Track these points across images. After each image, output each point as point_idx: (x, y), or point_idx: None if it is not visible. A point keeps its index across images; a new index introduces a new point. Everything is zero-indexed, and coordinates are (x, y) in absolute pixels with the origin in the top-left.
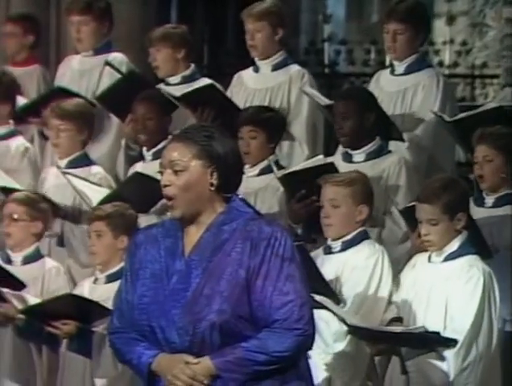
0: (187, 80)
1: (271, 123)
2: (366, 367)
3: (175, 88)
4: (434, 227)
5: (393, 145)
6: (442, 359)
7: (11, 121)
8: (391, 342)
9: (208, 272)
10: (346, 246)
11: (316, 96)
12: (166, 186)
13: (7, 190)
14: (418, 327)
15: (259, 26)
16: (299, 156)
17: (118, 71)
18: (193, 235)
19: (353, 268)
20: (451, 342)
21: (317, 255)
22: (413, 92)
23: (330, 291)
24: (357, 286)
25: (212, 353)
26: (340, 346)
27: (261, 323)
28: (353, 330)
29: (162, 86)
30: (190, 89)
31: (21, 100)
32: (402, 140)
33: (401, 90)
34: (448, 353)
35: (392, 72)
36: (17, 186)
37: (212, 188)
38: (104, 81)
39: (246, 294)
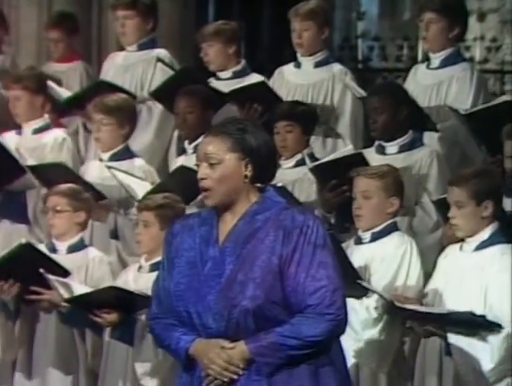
0: (237, 75)
1: (305, 116)
2: (393, 354)
3: (226, 82)
4: (460, 211)
5: (427, 135)
6: (485, 342)
7: (46, 115)
8: (438, 324)
9: (242, 259)
10: (376, 237)
11: (354, 88)
12: (202, 178)
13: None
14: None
15: (306, 25)
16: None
17: (170, 66)
18: (228, 223)
19: (382, 258)
20: (495, 327)
21: (348, 245)
22: (447, 85)
23: (359, 280)
24: (386, 276)
25: (246, 338)
26: (368, 333)
27: (294, 309)
28: (400, 312)
29: (212, 80)
30: (240, 86)
31: (64, 93)
32: (436, 130)
33: (436, 83)
34: (493, 338)
35: (428, 66)
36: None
37: (247, 180)
38: (156, 77)
39: (279, 281)
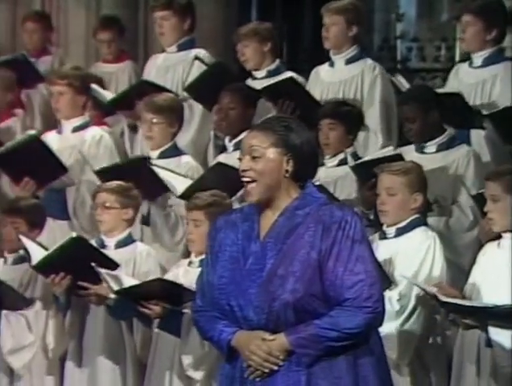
0: (272, 73)
1: (349, 116)
2: (415, 346)
3: (261, 81)
4: (495, 205)
5: (474, 133)
6: None
7: (86, 114)
8: (480, 317)
9: (282, 253)
10: (400, 232)
11: (400, 82)
12: (244, 170)
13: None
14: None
15: (335, 19)
16: (373, 145)
17: (206, 64)
18: (269, 219)
19: (406, 253)
20: None
21: (373, 240)
22: (491, 83)
23: (383, 274)
24: (409, 270)
25: (286, 330)
26: (390, 325)
27: (332, 302)
28: (444, 306)
29: (249, 80)
30: (271, 82)
31: (107, 95)
32: (482, 128)
33: (479, 82)
34: None
35: (470, 65)
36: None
37: (288, 175)
38: (192, 74)
39: (318, 274)
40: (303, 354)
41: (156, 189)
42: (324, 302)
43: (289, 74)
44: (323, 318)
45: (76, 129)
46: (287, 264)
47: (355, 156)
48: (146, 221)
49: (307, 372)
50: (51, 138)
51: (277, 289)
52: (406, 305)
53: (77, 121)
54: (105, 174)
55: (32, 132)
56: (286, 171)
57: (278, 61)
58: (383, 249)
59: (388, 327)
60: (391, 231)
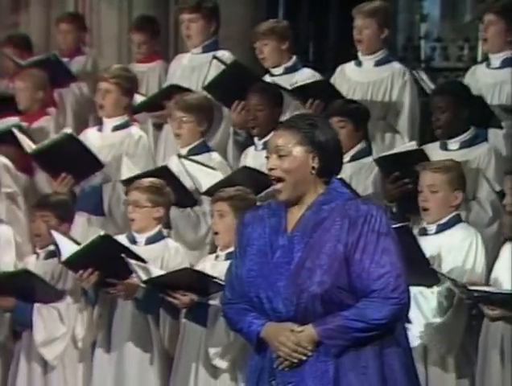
0: (289, 70)
1: (357, 114)
2: (461, 338)
3: (278, 78)
4: None
5: (491, 132)
6: None
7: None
8: (507, 306)
9: (309, 247)
10: (441, 229)
11: (426, 83)
12: (271, 169)
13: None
14: None
15: (367, 22)
16: (400, 146)
17: (225, 64)
18: (296, 213)
19: (449, 249)
20: None
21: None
22: (510, 84)
23: (431, 270)
24: (453, 266)
25: (314, 321)
26: (438, 320)
27: (359, 293)
28: (473, 296)
29: (266, 77)
30: (303, 83)
31: (137, 97)
32: (500, 127)
33: (497, 82)
34: None
35: (488, 66)
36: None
37: (314, 171)
38: (211, 73)
39: (345, 267)
40: (330, 344)
41: (179, 194)
42: (351, 294)
43: (307, 71)
44: (350, 309)
45: (117, 128)
46: (314, 257)
47: (367, 151)
48: (167, 224)
49: (334, 362)
50: (91, 135)
51: (305, 282)
52: (451, 301)
53: (118, 120)
54: (130, 183)
55: (67, 130)
56: (313, 168)
57: (294, 58)
58: (424, 246)
59: (437, 322)
60: (432, 227)
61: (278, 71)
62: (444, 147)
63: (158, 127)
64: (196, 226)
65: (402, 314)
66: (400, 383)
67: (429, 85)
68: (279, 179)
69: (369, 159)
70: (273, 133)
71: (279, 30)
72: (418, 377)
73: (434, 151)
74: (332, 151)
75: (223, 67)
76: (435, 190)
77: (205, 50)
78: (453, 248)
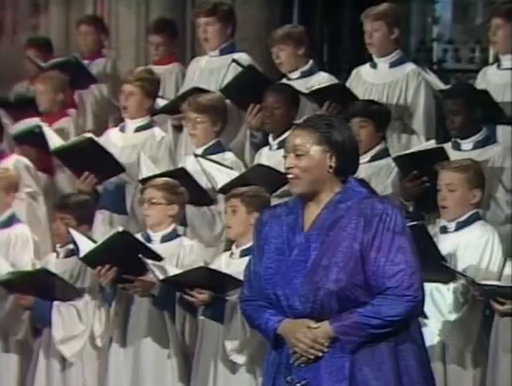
0: (305, 74)
1: (379, 114)
2: (477, 334)
3: (295, 82)
4: None
5: (500, 129)
6: None
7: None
8: None
9: (326, 245)
10: (460, 226)
11: (434, 82)
12: (289, 168)
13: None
14: None
15: (376, 25)
16: (416, 146)
17: (243, 67)
18: (312, 212)
19: (466, 246)
20: None
21: (435, 234)
22: None
23: (446, 267)
24: (470, 263)
25: (330, 318)
26: (454, 315)
27: (374, 291)
28: (482, 290)
29: (283, 80)
30: (319, 86)
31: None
32: (510, 124)
33: (508, 83)
34: None
35: (498, 67)
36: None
37: (331, 170)
38: (228, 77)
39: (360, 265)
40: (346, 341)
41: (196, 194)
42: (367, 291)
43: (323, 75)
44: (365, 306)
45: (139, 129)
46: (331, 255)
47: (386, 152)
48: (183, 222)
49: (350, 358)
50: (113, 136)
51: (321, 279)
52: (467, 297)
53: (141, 122)
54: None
55: (87, 134)
56: (330, 167)
57: (311, 62)
58: (444, 243)
59: (453, 317)
60: (452, 225)
61: (294, 75)
62: (458, 147)
63: (178, 128)
64: (212, 224)
65: (416, 311)
66: (415, 379)
67: (436, 83)
68: (296, 178)
69: (389, 160)
70: (290, 133)
71: (295, 36)
72: (432, 373)
73: (447, 151)
74: (349, 151)
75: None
76: (453, 188)
77: (223, 52)
78: (470, 245)
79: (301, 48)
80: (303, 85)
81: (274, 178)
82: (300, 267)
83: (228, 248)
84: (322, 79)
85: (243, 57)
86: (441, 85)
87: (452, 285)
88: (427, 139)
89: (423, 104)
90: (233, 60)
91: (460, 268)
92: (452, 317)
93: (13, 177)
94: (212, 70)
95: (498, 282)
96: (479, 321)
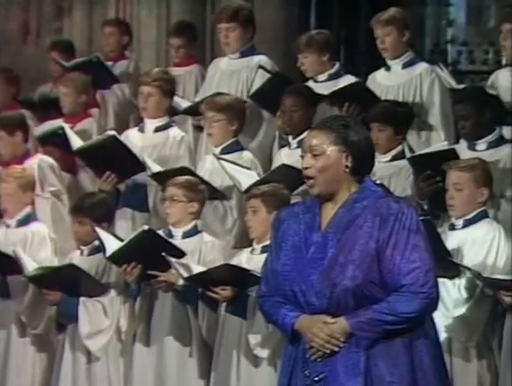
0: (332, 77)
1: (398, 118)
2: (482, 329)
3: (322, 84)
4: None
5: (506, 130)
6: None
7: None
8: None
9: (342, 243)
10: (467, 223)
11: (446, 79)
12: (306, 168)
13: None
14: None
15: (387, 30)
16: (436, 142)
17: (269, 72)
18: (329, 211)
19: (473, 243)
20: None
21: (443, 231)
22: None
23: (452, 263)
24: (476, 259)
25: (346, 314)
26: (459, 311)
27: (390, 288)
28: (487, 283)
29: (310, 83)
30: (338, 87)
31: (180, 101)
32: None
33: None
34: None
35: (511, 70)
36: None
37: (347, 170)
38: (256, 82)
39: (376, 263)
40: (362, 336)
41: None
42: (382, 288)
43: (350, 78)
44: (381, 303)
45: (159, 129)
46: (347, 253)
47: (403, 154)
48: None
49: (366, 353)
50: (133, 136)
51: (337, 276)
52: (473, 292)
53: (160, 122)
54: (158, 177)
55: (110, 132)
56: (346, 167)
57: (337, 65)
58: (452, 239)
59: (458, 312)
60: (459, 222)
61: (322, 77)
62: (472, 148)
63: (199, 129)
64: (223, 219)
65: (431, 308)
66: (429, 375)
67: (449, 81)
68: (313, 178)
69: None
70: (307, 134)
71: (319, 43)
72: (446, 369)
73: (462, 152)
74: (365, 151)
75: (267, 74)
76: (460, 188)
77: (243, 55)
78: (476, 241)
79: (325, 54)
80: (330, 88)
81: (297, 178)
82: (317, 264)
83: (237, 244)
84: (349, 81)
85: (263, 60)
86: (453, 83)
87: (457, 281)
88: (446, 133)
89: (438, 100)
90: (260, 66)
91: (466, 263)
92: (457, 312)
93: (30, 176)
94: (232, 72)
95: (505, 276)
96: (484, 316)
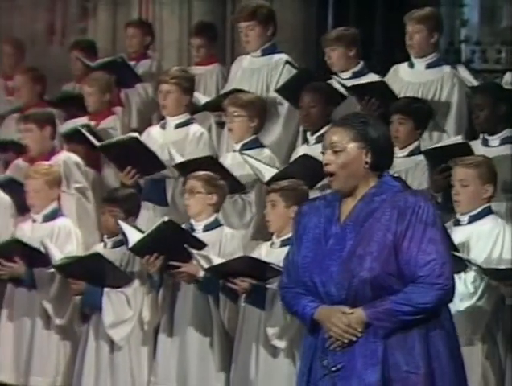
0: (357, 74)
1: (419, 113)
2: (486, 322)
3: (346, 82)
4: None
5: None
6: None
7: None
8: None
9: (361, 235)
10: (472, 219)
11: (467, 78)
12: (327, 164)
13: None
14: None
15: (418, 28)
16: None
17: (296, 68)
18: (349, 204)
19: (478, 238)
20: None
21: (449, 226)
22: None
23: (459, 258)
24: (481, 254)
25: (364, 305)
26: (465, 304)
27: (407, 279)
28: (487, 273)
29: (335, 78)
30: (361, 82)
31: (200, 97)
32: None
33: None
34: None
35: None
36: None
37: (366, 166)
38: (283, 77)
39: (393, 255)
40: (379, 326)
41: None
42: (399, 280)
43: (372, 76)
44: (397, 294)
45: (179, 126)
46: (365, 245)
47: (419, 150)
48: None
49: (383, 343)
50: (154, 133)
51: (356, 268)
52: (478, 286)
53: (180, 118)
54: (182, 167)
55: (133, 134)
56: (366, 163)
57: (362, 63)
58: (457, 235)
59: (463, 306)
60: (464, 218)
61: (346, 75)
62: (486, 144)
63: (222, 125)
64: (242, 213)
65: (446, 299)
66: (445, 364)
67: (470, 80)
68: (334, 174)
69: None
70: (328, 130)
71: (347, 38)
72: (462, 359)
73: (475, 147)
74: (384, 147)
75: (292, 69)
76: (466, 184)
77: (264, 53)
78: (482, 237)
79: (352, 50)
80: (356, 82)
81: (317, 170)
82: (336, 256)
83: (255, 237)
84: (372, 80)
85: (284, 58)
86: (474, 82)
87: (463, 275)
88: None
89: (456, 105)
90: (287, 62)
91: (472, 259)
92: (463, 305)
93: (56, 173)
94: (253, 70)
95: (501, 266)
96: (489, 310)
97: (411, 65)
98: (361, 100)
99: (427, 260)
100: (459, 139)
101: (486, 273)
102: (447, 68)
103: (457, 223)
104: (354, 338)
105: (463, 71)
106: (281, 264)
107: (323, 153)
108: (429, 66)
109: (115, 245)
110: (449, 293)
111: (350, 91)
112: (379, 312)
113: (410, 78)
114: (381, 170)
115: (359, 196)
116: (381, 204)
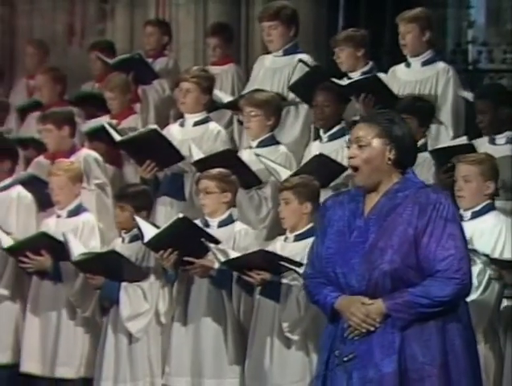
0: (365, 74)
1: (422, 111)
2: (489, 314)
3: (342, 81)
4: None
5: None
6: None
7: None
8: None
9: (383, 229)
10: (475, 215)
11: (465, 95)
12: (351, 158)
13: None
14: None
15: (409, 27)
16: (444, 137)
17: (309, 66)
18: (372, 199)
19: (481, 234)
20: None
21: None
22: None
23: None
24: (484, 249)
25: (383, 296)
26: (469, 297)
27: (425, 273)
28: (496, 263)
29: (344, 79)
30: (354, 79)
31: (221, 94)
32: None
33: None
34: None
35: None
36: None
37: (389, 162)
38: (296, 75)
39: (414, 248)
40: (397, 318)
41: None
42: (418, 273)
43: (381, 75)
44: (416, 286)
45: (197, 124)
46: (387, 238)
47: (426, 147)
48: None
49: (400, 334)
50: (174, 130)
51: (377, 260)
52: (482, 281)
53: (198, 116)
54: (200, 164)
55: (152, 126)
56: (389, 159)
57: (371, 63)
58: None
59: (468, 299)
60: (467, 214)
61: (355, 75)
62: (493, 142)
63: (242, 123)
64: (258, 208)
65: (463, 293)
66: (460, 357)
67: (469, 95)
68: (357, 169)
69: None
70: (355, 126)
71: (356, 39)
72: (477, 352)
73: (483, 145)
74: (407, 145)
75: (307, 68)
76: (469, 180)
77: (286, 53)
78: (484, 232)
79: (360, 50)
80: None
81: (332, 169)
82: (359, 248)
83: (271, 232)
84: (366, 76)
85: (305, 57)
86: (471, 96)
87: None
88: (455, 131)
89: (451, 98)
90: (300, 60)
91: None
92: (467, 298)
93: (78, 169)
94: (275, 69)
95: (508, 257)
96: (492, 302)
97: (408, 65)
98: (357, 98)
99: (446, 255)
100: (464, 140)
101: (493, 262)
102: (441, 64)
103: (460, 218)
104: (372, 328)
105: (462, 93)
106: (295, 258)
107: (348, 147)
108: (424, 63)
109: (132, 240)
110: (466, 287)
111: (346, 89)
112: (398, 304)
113: (407, 77)
114: (405, 167)
115: (382, 191)
116: (404, 200)
